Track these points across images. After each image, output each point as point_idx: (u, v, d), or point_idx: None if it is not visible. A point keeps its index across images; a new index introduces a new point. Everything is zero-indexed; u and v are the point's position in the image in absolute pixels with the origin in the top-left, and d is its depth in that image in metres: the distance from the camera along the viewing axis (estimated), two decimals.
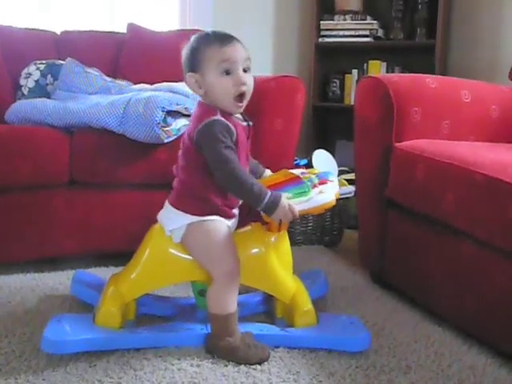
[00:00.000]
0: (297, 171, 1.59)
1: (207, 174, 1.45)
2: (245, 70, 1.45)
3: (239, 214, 1.58)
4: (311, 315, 1.56)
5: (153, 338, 1.48)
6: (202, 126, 1.41)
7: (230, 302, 1.46)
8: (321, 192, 1.48)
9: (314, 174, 1.57)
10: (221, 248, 1.46)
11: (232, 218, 1.54)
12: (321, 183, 1.51)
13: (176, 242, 1.50)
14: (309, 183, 1.49)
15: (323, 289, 1.81)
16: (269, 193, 1.40)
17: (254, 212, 1.48)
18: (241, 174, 1.40)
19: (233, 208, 1.54)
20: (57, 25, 2.83)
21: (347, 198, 2.54)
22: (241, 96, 1.44)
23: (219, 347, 1.44)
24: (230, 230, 1.51)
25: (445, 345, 1.54)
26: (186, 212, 1.48)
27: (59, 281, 1.95)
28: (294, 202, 1.43)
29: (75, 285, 1.76)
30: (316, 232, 2.54)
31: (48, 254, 2.06)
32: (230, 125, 1.43)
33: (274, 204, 1.39)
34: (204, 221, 1.47)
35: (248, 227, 1.59)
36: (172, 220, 1.50)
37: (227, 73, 1.42)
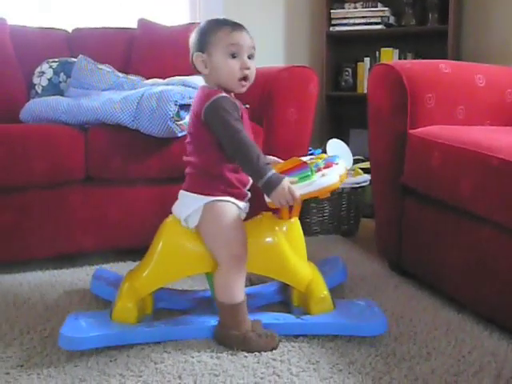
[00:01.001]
0: (306, 158, 1.59)
1: (218, 150, 1.48)
2: (249, 57, 1.50)
3: (250, 202, 1.59)
4: (327, 302, 1.56)
5: (169, 331, 1.49)
6: (210, 103, 1.45)
7: (237, 291, 1.46)
8: (323, 175, 1.48)
9: (322, 158, 1.58)
10: (229, 231, 1.48)
11: (244, 199, 1.56)
12: (326, 167, 1.52)
13: (192, 227, 1.51)
14: (314, 168, 1.49)
15: (342, 276, 1.81)
16: (272, 171, 1.41)
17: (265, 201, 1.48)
18: (250, 143, 1.43)
19: (245, 185, 1.55)
20: (64, 22, 2.82)
21: (363, 186, 2.54)
22: (245, 78, 1.50)
23: (229, 337, 1.45)
24: (240, 213, 1.54)
25: (465, 331, 1.53)
26: (201, 193, 1.50)
27: (78, 277, 1.97)
28: (298, 187, 1.43)
29: (95, 282, 1.77)
30: (333, 221, 2.53)
31: (66, 250, 2.08)
32: (236, 102, 1.49)
33: (273, 183, 1.39)
34: (218, 201, 1.49)
35: (259, 216, 1.60)
36: (188, 205, 1.51)
37: (233, 56, 1.48)
